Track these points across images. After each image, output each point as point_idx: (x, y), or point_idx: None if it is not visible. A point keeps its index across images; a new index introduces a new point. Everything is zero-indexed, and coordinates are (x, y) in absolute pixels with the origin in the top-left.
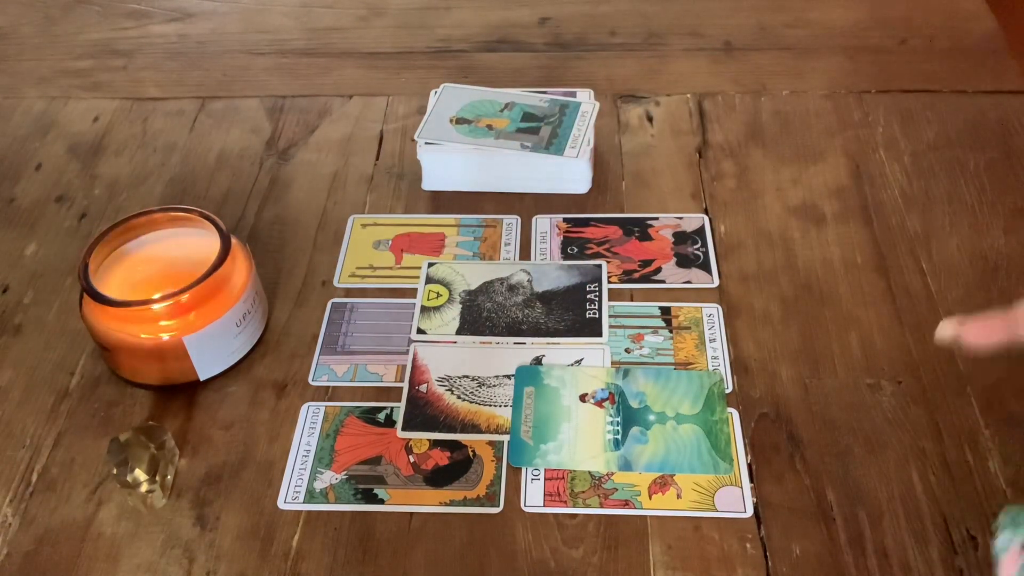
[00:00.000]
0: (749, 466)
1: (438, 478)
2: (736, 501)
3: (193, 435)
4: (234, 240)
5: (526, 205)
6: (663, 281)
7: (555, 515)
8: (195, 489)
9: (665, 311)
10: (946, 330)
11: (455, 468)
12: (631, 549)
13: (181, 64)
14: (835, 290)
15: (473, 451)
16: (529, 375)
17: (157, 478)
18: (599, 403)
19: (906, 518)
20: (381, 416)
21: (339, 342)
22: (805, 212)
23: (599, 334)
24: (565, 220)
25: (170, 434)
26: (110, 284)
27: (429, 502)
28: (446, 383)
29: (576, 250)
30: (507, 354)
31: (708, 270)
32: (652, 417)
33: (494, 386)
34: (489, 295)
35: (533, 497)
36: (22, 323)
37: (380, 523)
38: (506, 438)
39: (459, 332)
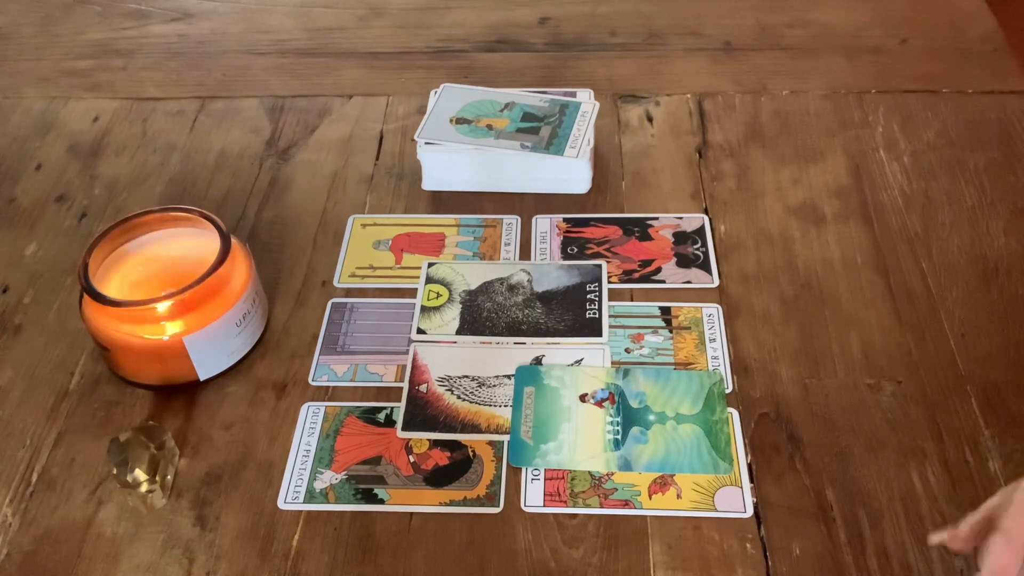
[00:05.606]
0: (749, 466)
1: (438, 478)
2: (736, 501)
3: (193, 435)
4: (234, 240)
5: (526, 205)
6: (663, 281)
7: (555, 515)
8: (195, 489)
9: (665, 311)
10: (933, 539)
11: (455, 468)
12: (631, 549)
13: (181, 64)
14: (835, 290)
15: (473, 451)
16: (529, 375)
17: (157, 478)
18: (599, 403)
19: (906, 518)
20: (381, 416)
21: (339, 342)
22: (805, 212)
23: (599, 334)
24: (565, 220)
25: (170, 434)
26: (110, 284)
27: (429, 502)
28: (446, 383)
29: (576, 250)
30: (507, 354)
31: (708, 270)
32: (652, 417)
33: (494, 386)
34: (489, 295)
35: (533, 497)
36: (22, 323)
37: (380, 523)
38: (506, 438)
39: (459, 332)
